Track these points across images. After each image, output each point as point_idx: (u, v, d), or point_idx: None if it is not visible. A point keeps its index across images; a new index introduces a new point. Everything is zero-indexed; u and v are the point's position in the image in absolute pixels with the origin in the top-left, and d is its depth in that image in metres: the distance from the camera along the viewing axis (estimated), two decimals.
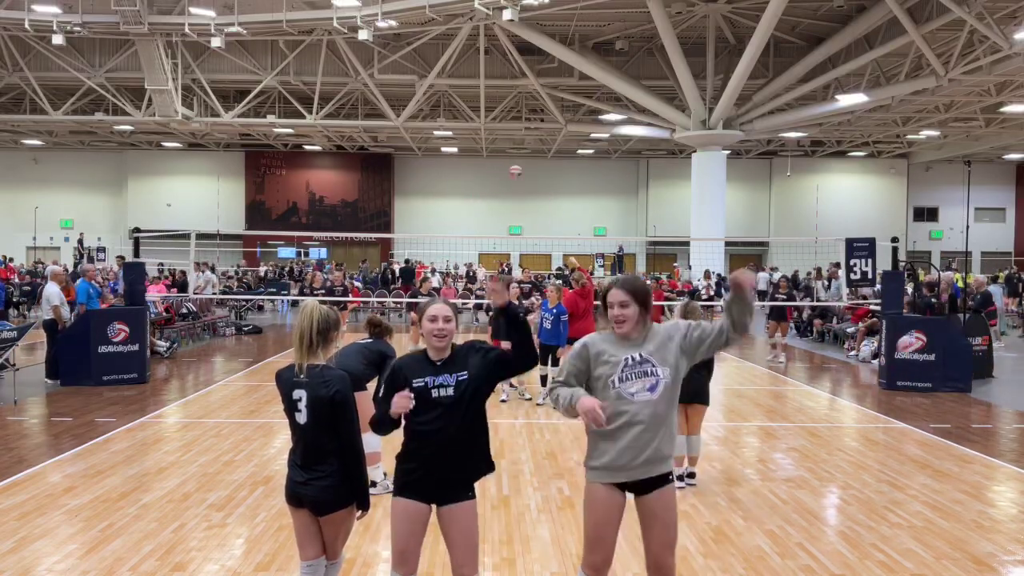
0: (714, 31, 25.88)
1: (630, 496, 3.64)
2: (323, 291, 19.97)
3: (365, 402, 6.83)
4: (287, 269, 32.61)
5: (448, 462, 3.60)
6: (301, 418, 3.81)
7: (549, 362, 10.90)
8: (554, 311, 10.85)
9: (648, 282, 23.94)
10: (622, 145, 39.31)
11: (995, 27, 20.03)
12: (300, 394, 3.80)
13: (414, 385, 3.59)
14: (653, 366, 3.53)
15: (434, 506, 3.68)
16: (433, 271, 29.00)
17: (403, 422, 3.65)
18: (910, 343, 12.16)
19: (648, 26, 25.19)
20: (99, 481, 6.96)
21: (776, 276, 22.19)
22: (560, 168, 42.83)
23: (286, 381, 3.86)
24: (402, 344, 16.29)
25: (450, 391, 3.59)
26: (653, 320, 3.67)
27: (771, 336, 16.01)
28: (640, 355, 3.54)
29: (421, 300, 14.47)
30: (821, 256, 25.97)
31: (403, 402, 3.53)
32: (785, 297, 16.41)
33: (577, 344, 3.72)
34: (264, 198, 42.06)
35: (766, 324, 16.61)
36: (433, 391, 3.59)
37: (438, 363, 3.65)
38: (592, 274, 17.67)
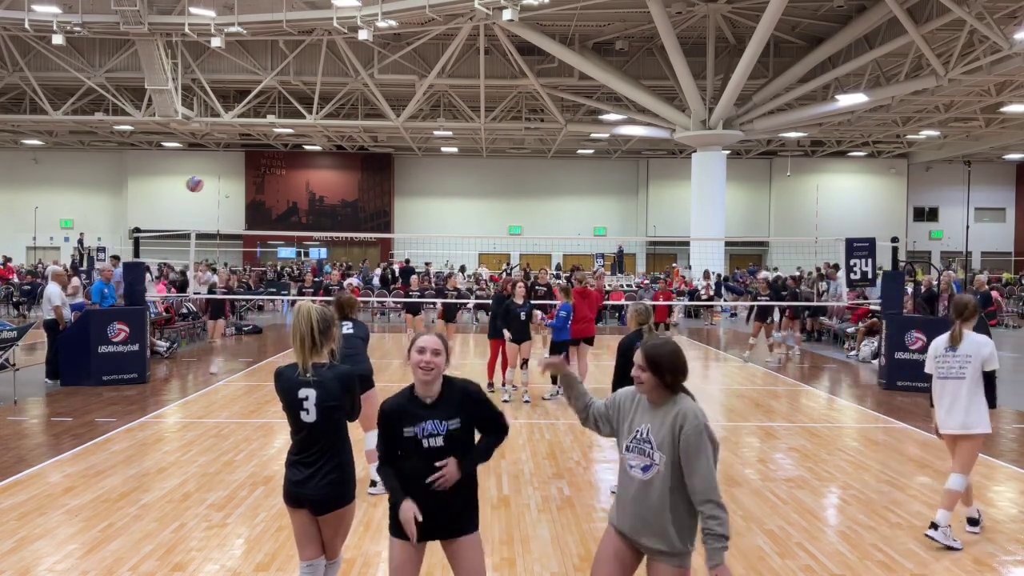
0: (714, 31, 25.86)
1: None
2: (312, 290, 19.99)
3: (374, 400, 6.82)
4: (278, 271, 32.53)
5: (437, 501, 3.48)
6: (308, 417, 3.79)
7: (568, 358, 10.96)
8: (561, 310, 10.93)
9: (649, 292, 23.68)
10: (622, 145, 39.30)
11: (995, 27, 20.02)
12: (307, 393, 3.78)
13: (405, 434, 3.47)
14: (652, 448, 3.30)
15: (438, 541, 3.58)
16: (462, 269, 28.96)
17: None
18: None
19: (648, 26, 25.19)
20: (99, 481, 6.96)
21: (769, 276, 22.23)
22: (560, 168, 42.82)
23: (289, 379, 3.84)
24: (403, 342, 16.29)
25: (439, 440, 3.45)
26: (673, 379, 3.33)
27: (754, 336, 15.92)
28: (647, 430, 3.33)
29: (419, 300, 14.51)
30: (821, 256, 25.98)
31: (409, 525, 3.41)
32: (767, 298, 16.47)
33: (617, 394, 3.56)
34: (264, 198, 42.06)
35: (792, 323, 16.84)
36: (423, 441, 3.45)
37: (427, 403, 3.49)
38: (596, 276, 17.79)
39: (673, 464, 3.24)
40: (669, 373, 3.30)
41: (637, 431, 3.36)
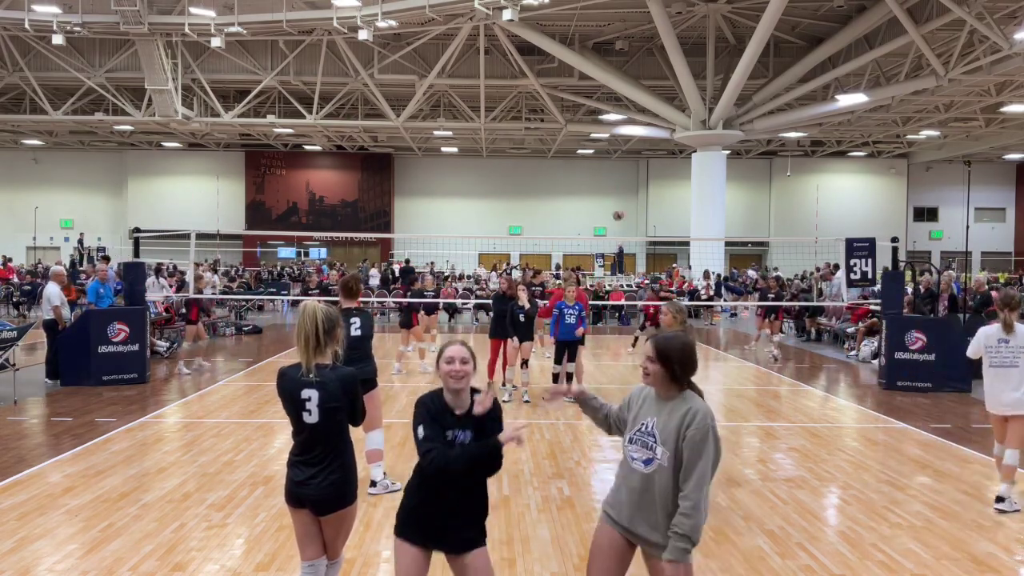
0: (714, 31, 25.85)
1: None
2: (317, 291, 19.96)
3: (376, 400, 6.83)
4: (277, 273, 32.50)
5: (450, 505, 3.50)
6: (310, 417, 3.80)
7: (565, 359, 10.94)
8: (575, 308, 10.91)
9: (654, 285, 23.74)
10: (622, 145, 39.29)
11: (995, 27, 20.02)
12: (310, 393, 3.79)
13: (446, 436, 3.49)
14: (655, 442, 3.30)
15: (443, 554, 3.56)
16: (494, 268, 28.99)
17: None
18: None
19: (648, 26, 25.18)
20: (99, 481, 6.96)
21: (756, 276, 22.23)
22: (560, 168, 42.82)
23: (292, 380, 3.84)
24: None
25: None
26: (677, 369, 3.34)
27: (772, 334, 16.21)
28: (652, 424, 3.35)
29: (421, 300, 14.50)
30: (821, 256, 26.03)
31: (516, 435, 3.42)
32: (774, 296, 16.46)
33: (631, 391, 3.61)
34: (264, 198, 42.05)
35: (763, 322, 16.77)
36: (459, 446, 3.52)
37: (459, 416, 3.53)
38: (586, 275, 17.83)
39: (675, 460, 3.25)
40: (678, 365, 3.31)
41: (642, 424, 3.37)
